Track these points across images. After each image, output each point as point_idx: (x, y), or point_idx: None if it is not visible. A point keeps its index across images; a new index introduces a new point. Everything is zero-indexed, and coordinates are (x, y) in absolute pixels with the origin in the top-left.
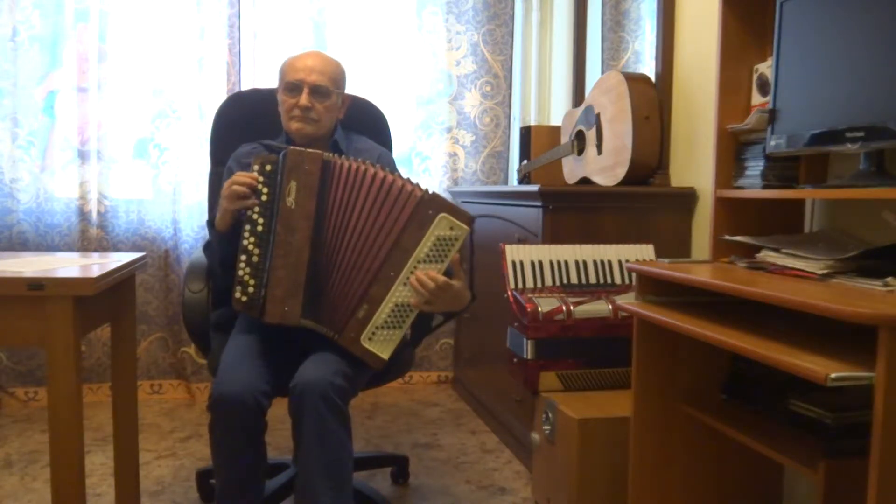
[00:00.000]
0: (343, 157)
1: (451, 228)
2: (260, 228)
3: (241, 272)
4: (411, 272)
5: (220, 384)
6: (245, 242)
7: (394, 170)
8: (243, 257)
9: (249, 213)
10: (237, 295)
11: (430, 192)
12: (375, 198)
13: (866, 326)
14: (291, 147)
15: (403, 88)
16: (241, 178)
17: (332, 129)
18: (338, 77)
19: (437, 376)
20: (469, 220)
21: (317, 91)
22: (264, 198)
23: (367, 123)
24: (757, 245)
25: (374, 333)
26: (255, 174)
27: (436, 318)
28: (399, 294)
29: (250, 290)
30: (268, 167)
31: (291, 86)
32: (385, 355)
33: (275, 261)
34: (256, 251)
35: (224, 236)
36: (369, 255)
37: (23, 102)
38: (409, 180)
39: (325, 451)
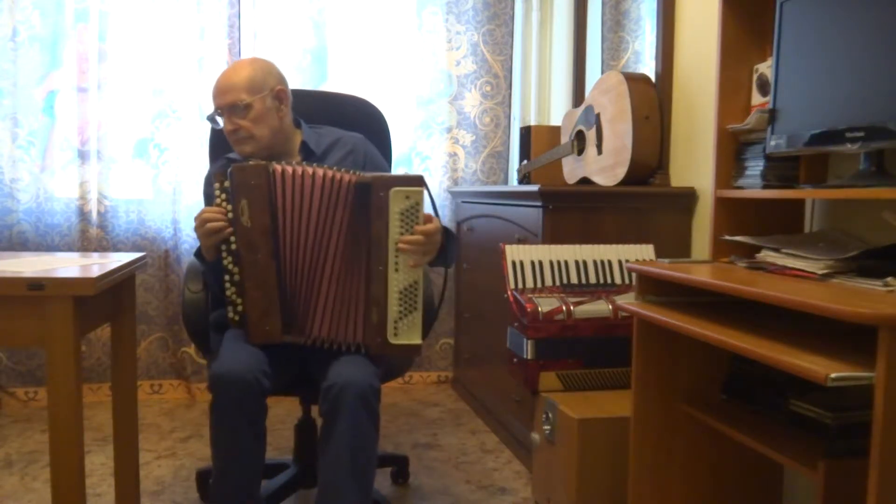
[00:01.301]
0: (287, 163)
1: (408, 197)
2: (234, 247)
3: (228, 292)
4: (396, 255)
5: (221, 362)
6: (225, 262)
7: (373, 154)
8: (227, 277)
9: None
10: (230, 315)
11: (371, 175)
12: (329, 200)
13: (866, 326)
14: (235, 164)
15: (403, 88)
16: (208, 216)
17: (288, 132)
18: (254, 83)
19: (437, 376)
20: (419, 180)
21: (233, 110)
22: (230, 215)
23: (367, 123)
24: (757, 245)
25: (396, 328)
26: (217, 197)
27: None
28: (397, 281)
29: (239, 308)
30: (226, 183)
31: (216, 115)
32: (417, 340)
33: (246, 282)
34: (235, 269)
35: (216, 265)
36: (354, 259)
37: (23, 102)
38: (350, 172)
39: (357, 454)
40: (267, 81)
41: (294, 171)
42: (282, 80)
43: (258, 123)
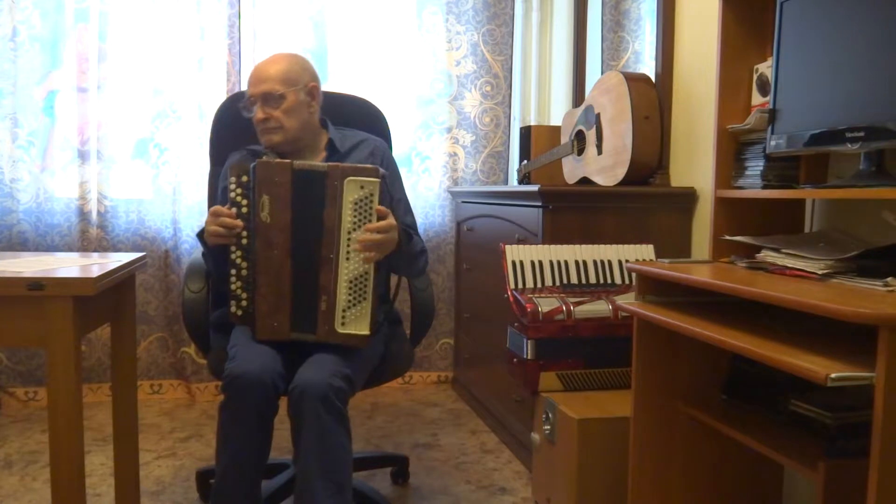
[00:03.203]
0: (311, 163)
1: (362, 187)
2: (245, 242)
3: (232, 286)
4: (348, 245)
5: (238, 363)
6: (233, 256)
7: (390, 160)
8: (233, 271)
9: None
10: (233, 309)
11: (326, 164)
12: (316, 194)
13: (866, 326)
14: (260, 160)
15: (403, 88)
16: (222, 221)
17: (315, 128)
18: (290, 75)
19: (437, 376)
20: (374, 171)
21: (267, 99)
22: (244, 210)
23: (367, 123)
24: (757, 245)
25: (344, 317)
26: (233, 191)
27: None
28: (347, 271)
29: (244, 303)
30: (244, 178)
31: (249, 103)
32: (365, 331)
33: (258, 277)
34: (244, 264)
35: (215, 250)
36: (318, 249)
37: (23, 102)
38: (319, 164)
39: (325, 453)
40: (302, 76)
41: (312, 169)
42: (315, 77)
43: (289, 115)
